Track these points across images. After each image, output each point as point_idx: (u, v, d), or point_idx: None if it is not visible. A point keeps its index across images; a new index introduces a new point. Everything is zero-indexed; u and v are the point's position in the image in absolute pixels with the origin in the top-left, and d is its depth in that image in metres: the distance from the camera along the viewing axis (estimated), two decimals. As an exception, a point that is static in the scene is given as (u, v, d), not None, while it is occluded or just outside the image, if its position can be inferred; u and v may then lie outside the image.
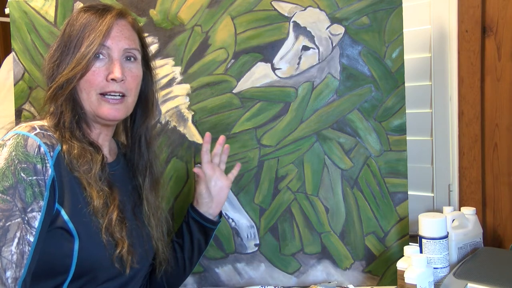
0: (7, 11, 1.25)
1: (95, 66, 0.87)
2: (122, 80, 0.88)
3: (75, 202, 0.83)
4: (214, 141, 1.09)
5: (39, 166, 0.78)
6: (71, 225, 0.81)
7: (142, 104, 0.98)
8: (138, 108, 0.98)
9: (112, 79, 0.87)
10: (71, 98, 0.87)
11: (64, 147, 0.83)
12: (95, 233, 0.84)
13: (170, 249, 1.04)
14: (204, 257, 1.19)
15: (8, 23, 1.23)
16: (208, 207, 1.07)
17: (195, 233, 1.07)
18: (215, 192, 1.07)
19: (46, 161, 0.79)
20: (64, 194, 0.82)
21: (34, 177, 0.78)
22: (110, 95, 0.88)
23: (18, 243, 0.75)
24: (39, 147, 0.79)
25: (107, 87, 0.87)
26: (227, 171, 1.10)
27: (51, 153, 0.81)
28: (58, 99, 0.87)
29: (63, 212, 0.81)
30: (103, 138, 0.94)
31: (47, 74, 0.90)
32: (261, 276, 1.18)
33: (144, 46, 0.97)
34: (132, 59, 0.91)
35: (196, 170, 1.06)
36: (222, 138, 1.09)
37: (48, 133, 0.83)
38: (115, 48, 0.88)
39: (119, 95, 0.89)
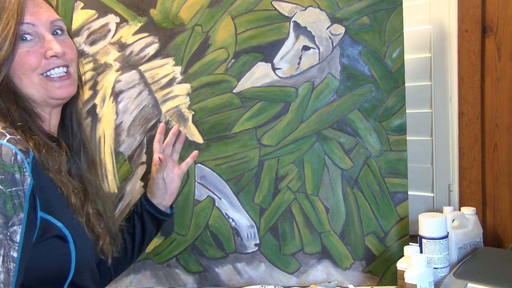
0: (7, 10, 1.25)
1: (27, 46, 0.81)
2: (63, 54, 0.83)
3: (61, 206, 0.81)
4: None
5: (17, 175, 0.72)
6: (65, 231, 0.79)
7: None
8: None
9: (53, 56, 0.82)
10: (10, 90, 0.81)
11: (31, 145, 0.78)
12: (82, 231, 0.84)
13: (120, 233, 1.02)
14: (204, 257, 1.19)
15: (9, 22, 1.22)
16: (162, 198, 1.08)
17: (147, 225, 1.06)
18: (168, 183, 1.08)
19: (24, 169, 0.73)
20: (48, 200, 0.78)
21: (14, 188, 0.72)
22: (53, 72, 0.83)
23: (3, 261, 0.70)
24: (15, 155, 0.73)
25: (49, 65, 0.82)
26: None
27: (28, 159, 0.74)
28: None
29: (53, 220, 0.78)
30: (54, 123, 0.89)
31: None
32: (261, 276, 1.18)
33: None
34: (60, 31, 0.86)
35: (161, 156, 1.05)
36: (175, 128, 1.10)
37: (18, 137, 0.76)
38: (39, 24, 0.82)
39: (63, 70, 0.85)
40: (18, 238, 0.72)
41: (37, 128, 0.83)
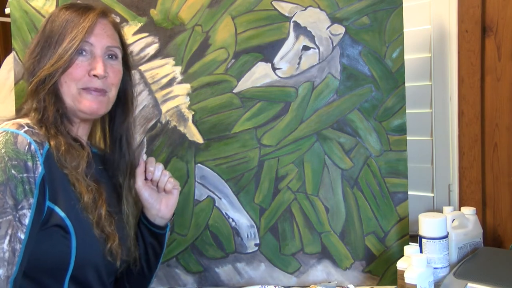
0: (7, 11, 1.25)
1: (78, 60, 0.87)
2: (105, 77, 0.89)
3: (68, 199, 0.83)
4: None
5: (29, 163, 0.78)
6: (68, 222, 0.81)
7: (121, 103, 0.98)
8: (118, 107, 0.98)
9: (94, 75, 0.88)
10: (54, 93, 0.88)
11: (52, 143, 0.83)
12: (88, 229, 0.85)
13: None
14: (204, 257, 1.19)
15: (8, 23, 1.23)
16: (157, 210, 1.01)
17: (146, 237, 1.03)
18: (159, 194, 1.02)
19: (37, 159, 0.79)
20: (56, 191, 0.82)
21: (25, 174, 0.77)
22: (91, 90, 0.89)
23: (9, 241, 0.75)
24: (29, 144, 0.79)
25: (90, 82, 0.88)
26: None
27: (41, 150, 0.80)
28: (40, 93, 0.87)
29: (57, 209, 0.81)
30: (81, 133, 0.94)
31: (28, 70, 0.90)
32: (261, 276, 1.18)
33: (124, 46, 0.98)
34: (114, 57, 0.93)
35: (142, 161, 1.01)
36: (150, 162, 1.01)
37: (36, 130, 0.83)
38: (98, 45, 0.89)
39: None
40: (26, 221, 0.77)
41: (65, 130, 0.88)
